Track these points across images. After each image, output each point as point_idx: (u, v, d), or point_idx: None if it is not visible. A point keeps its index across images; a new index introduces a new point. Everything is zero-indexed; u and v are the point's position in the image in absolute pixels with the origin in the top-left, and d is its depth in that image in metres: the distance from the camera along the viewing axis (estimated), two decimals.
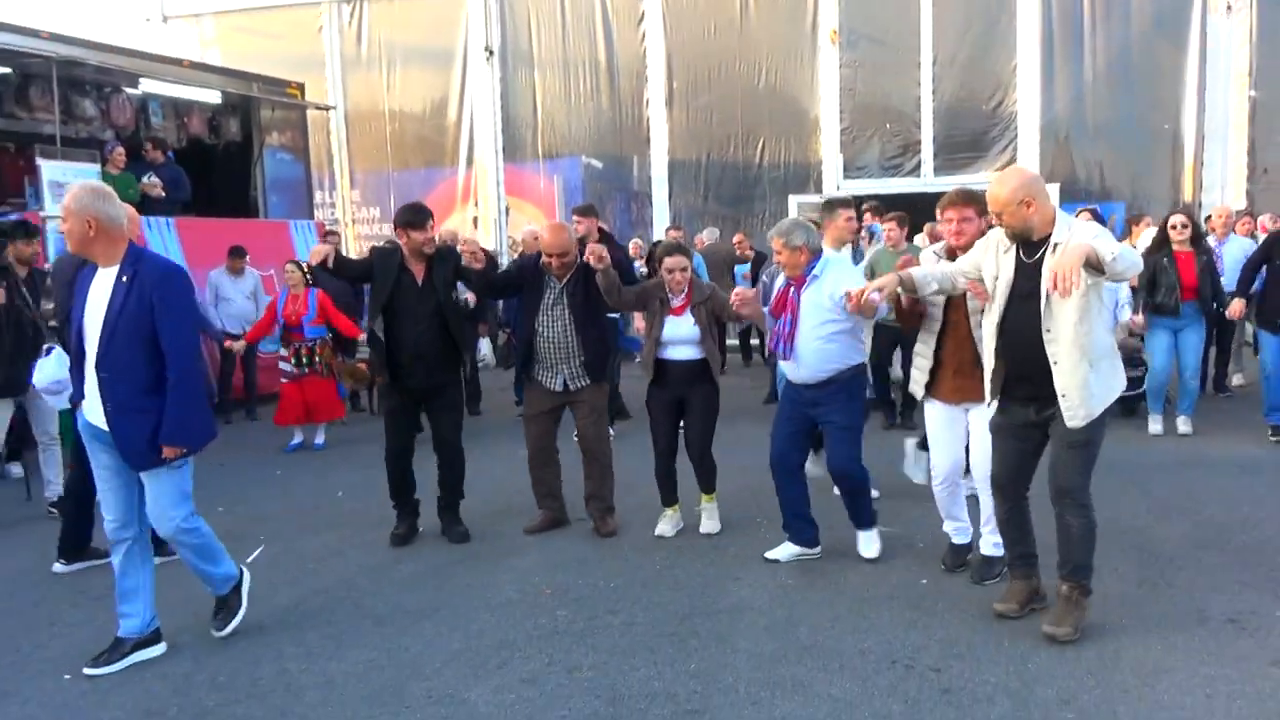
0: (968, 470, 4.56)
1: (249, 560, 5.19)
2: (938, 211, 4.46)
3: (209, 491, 6.68)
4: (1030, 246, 3.78)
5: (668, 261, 5.24)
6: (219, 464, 7.58)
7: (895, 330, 6.21)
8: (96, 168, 9.38)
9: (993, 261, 3.91)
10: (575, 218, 7.52)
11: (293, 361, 8.00)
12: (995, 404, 4.01)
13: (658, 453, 5.39)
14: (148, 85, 10.50)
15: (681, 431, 5.43)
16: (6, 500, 6.60)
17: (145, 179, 9.97)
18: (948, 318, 4.35)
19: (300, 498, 6.56)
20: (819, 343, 4.59)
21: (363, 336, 8.06)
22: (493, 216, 14.87)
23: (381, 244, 6.32)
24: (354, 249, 14.32)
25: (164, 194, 10.02)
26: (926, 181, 13.30)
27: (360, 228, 15.53)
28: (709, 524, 5.39)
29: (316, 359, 7.99)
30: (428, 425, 5.58)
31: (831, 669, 3.64)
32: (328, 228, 12.10)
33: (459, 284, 5.70)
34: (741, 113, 14.11)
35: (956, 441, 4.49)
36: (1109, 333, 3.82)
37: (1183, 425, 7.38)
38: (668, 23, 14.20)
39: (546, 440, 5.54)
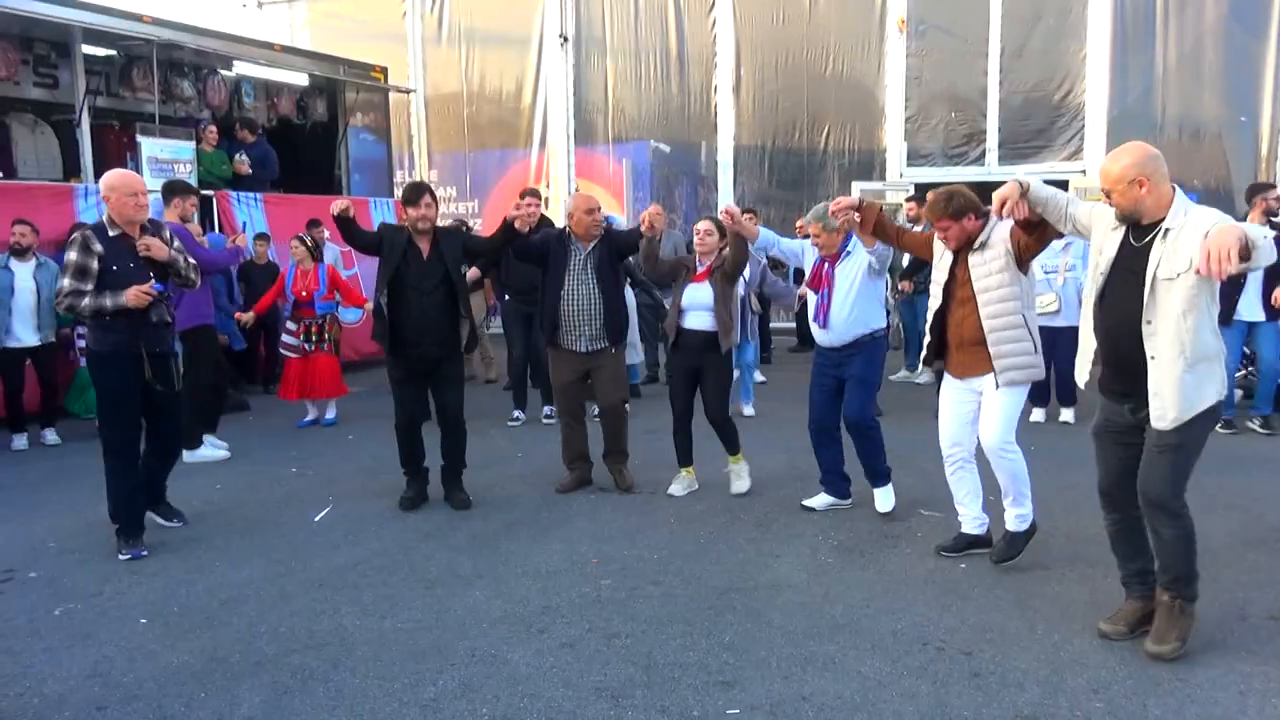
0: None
1: (316, 519, 5.48)
2: None
3: (283, 453, 7.08)
4: (1140, 229, 3.49)
5: (700, 224, 5.72)
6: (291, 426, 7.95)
7: None
8: (192, 144, 9.87)
9: (1100, 235, 3.64)
10: (525, 199, 7.76)
11: (301, 338, 7.95)
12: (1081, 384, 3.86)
13: (674, 417, 5.77)
14: (241, 68, 10.95)
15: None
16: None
17: (236, 157, 10.46)
18: (950, 294, 4.43)
19: (367, 461, 6.81)
20: (847, 310, 5.08)
21: (369, 306, 8.28)
22: (563, 198, 15.03)
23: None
24: None
25: (249, 172, 10.47)
26: (991, 171, 13.05)
27: None
28: (738, 484, 5.73)
29: (325, 335, 7.97)
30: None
31: (863, 648, 3.69)
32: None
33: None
34: (808, 100, 14.04)
35: (960, 419, 4.56)
36: (1215, 333, 3.45)
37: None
38: (737, 11, 14.21)
39: (576, 406, 5.95)
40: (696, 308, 5.57)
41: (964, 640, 3.74)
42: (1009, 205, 3.75)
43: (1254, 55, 12.41)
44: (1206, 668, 3.47)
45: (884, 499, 5.27)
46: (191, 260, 5.15)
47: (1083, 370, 3.77)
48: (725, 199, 14.34)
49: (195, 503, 5.73)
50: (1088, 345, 3.70)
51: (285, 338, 8.12)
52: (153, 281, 4.77)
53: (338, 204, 5.43)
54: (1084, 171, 12.75)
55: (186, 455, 6.87)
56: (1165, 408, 3.40)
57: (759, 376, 9.80)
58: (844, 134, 13.93)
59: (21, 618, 4.13)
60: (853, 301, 5.08)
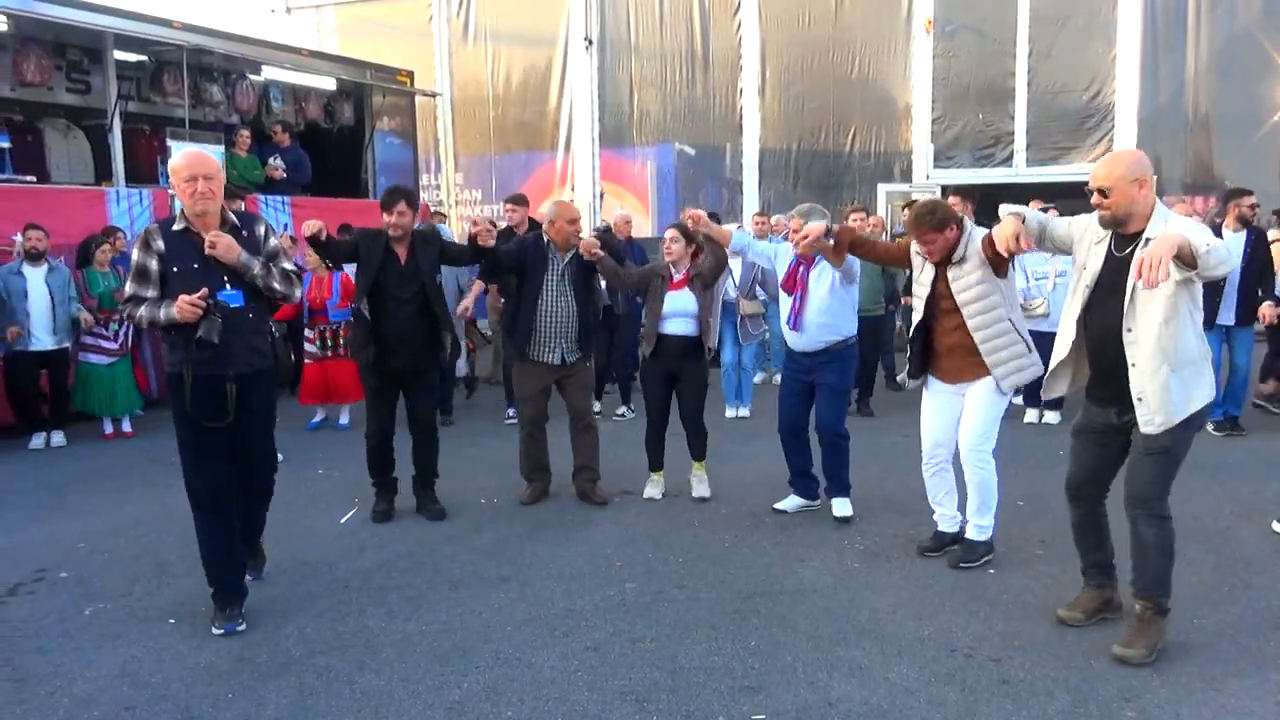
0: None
1: (343, 520, 5.51)
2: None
3: (309, 455, 7.11)
4: (1122, 240, 3.55)
5: (666, 232, 5.67)
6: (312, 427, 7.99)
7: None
8: (221, 149, 9.94)
9: (1084, 248, 3.70)
10: (508, 206, 7.66)
11: (317, 344, 8.01)
12: (1046, 391, 3.90)
13: (649, 421, 5.77)
14: (269, 72, 11.02)
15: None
16: (126, 454, 7.13)
17: (270, 161, 10.55)
18: (934, 306, 4.46)
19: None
20: (820, 316, 5.08)
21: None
22: (587, 201, 15.09)
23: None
24: (456, 230, 14.74)
25: (285, 175, 10.56)
26: (1018, 172, 12.97)
27: (463, 209, 16.00)
28: (700, 489, 5.75)
29: (341, 341, 7.97)
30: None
31: (890, 654, 3.66)
32: (433, 209, 12.49)
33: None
34: (833, 101, 14.03)
35: (945, 422, 4.57)
36: (1199, 337, 3.53)
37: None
38: (762, 13, 14.22)
39: (541, 418, 5.84)
40: (678, 314, 5.51)
41: (992, 647, 3.70)
42: (1023, 239, 3.72)
43: None
44: (1240, 677, 3.42)
45: (842, 506, 5.27)
46: (289, 265, 4.12)
47: (1058, 383, 3.83)
48: (751, 202, 14.33)
49: None
50: (1061, 355, 3.76)
51: (305, 344, 8.20)
52: (206, 289, 3.77)
53: (310, 225, 5.12)
54: None
55: None
56: (1151, 413, 3.48)
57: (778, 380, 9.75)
58: (870, 136, 13.90)
59: (52, 617, 4.18)
60: (826, 306, 5.06)
